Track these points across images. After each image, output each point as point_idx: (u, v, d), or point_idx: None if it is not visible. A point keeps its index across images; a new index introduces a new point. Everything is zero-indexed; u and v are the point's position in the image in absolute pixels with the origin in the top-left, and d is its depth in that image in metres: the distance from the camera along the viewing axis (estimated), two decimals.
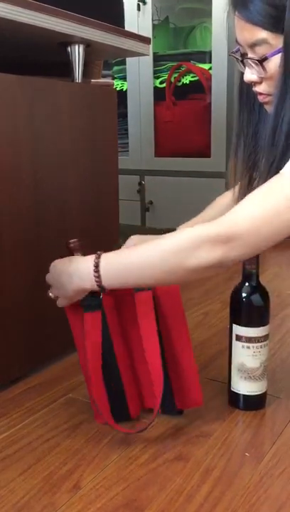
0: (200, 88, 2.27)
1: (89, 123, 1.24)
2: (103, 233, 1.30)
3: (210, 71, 2.22)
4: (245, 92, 0.91)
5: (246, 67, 0.83)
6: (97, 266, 0.82)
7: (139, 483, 0.80)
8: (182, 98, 2.35)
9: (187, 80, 2.32)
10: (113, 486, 0.79)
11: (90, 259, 0.83)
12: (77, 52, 1.20)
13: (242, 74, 0.86)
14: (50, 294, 0.92)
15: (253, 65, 0.81)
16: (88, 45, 1.20)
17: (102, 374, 0.91)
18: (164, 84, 2.35)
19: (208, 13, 2.20)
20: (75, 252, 0.93)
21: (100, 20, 1.18)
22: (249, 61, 0.81)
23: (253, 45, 0.79)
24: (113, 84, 2.35)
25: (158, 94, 2.38)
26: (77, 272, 0.85)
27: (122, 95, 2.44)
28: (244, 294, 0.96)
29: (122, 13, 2.36)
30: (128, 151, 2.52)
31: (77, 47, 1.19)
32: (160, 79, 2.38)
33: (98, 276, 0.82)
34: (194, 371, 0.96)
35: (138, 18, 2.35)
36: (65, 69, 1.23)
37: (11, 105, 1.03)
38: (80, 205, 1.24)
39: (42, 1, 1.03)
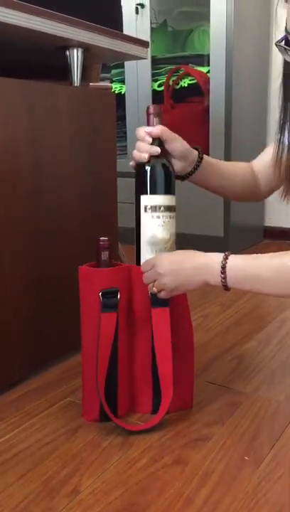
0: (199, 91, 2.27)
1: (88, 126, 1.24)
2: (102, 236, 1.30)
3: (208, 74, 2.22)
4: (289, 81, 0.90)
5: None
6: (223, 267, 0.84)
7: (138, 488, 0.80)
8: (180, 101, 2.35)
9: (185, 83, 2.32)
10: (112, 490, 0.79)
11: (217, 258, 0.86)
12: (76, 56, 1.20)
13: (287, 62, 0.86)
14: (154, 289, 0.92)
15: None
16: (86, 48, 1.21)
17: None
18: (162, 88, 2.35)
19: (206, 17, 2.20)
20: (104, 250, 0.95)
21: (99, 24, 1.18)
22: None
23: None
24: (111, 88, 2.35)
25: (157, 97, 2.38)
26: (205, 268, 0.87)
27: (121, 98, 2.44)
28: (147, 166, 0.96)
29: (120, 17, 2.35)
30: (126, 153, 2.51)
31: (75, 51, 1.20)
32: (159, 82, 2.38)
33: (224, 278, 0.85)
34: (187, 374, 0.98)
35: (136, 21, 2.35)
36: (63, 73, 1.23)
37: (10, 109, 1.03)
38: (79, 208, 1.24)
39: (40, 5, 1.03)
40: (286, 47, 0.82)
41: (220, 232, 2.28)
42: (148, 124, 0.97)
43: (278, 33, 0.85)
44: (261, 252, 0.87)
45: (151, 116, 0.96)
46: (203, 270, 0.87)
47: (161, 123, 0.97)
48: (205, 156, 1.03)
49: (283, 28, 0.82)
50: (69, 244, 1.22)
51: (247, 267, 0.85)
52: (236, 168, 1.10)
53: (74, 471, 0.84)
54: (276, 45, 0.84)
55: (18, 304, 1.11)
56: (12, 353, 1.11)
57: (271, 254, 0.84)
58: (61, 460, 0.87)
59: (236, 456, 0.87)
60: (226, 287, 0.86)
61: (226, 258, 0.85)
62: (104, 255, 0.95)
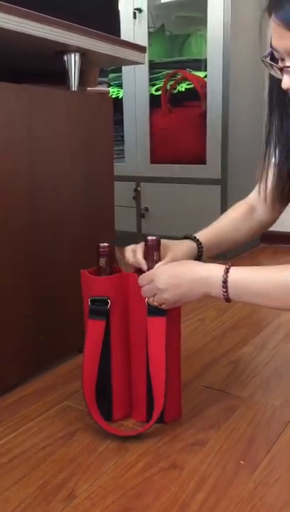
0: (196, 96, 2.28)
1: (86, 130, 1.24)
2: (99, 240, 1.30)
3: (205, 79, 2.23)
4: (275, 95, 0.91)
5: (285, 75, 0.80)
6: (225, 282, 0.85)
7: (134, 492, 0.80)
8: (177, 105, 2.36)
9: (182, 87, 2.33)
10: (108, 495, 0.79)
11: (218, 272, 0.86)
12: (73, 61, 1.21)
13: (272, 77, 0.86)
14: (154, 303, 0.92)
15: None
16: (84, 53, 1.21)
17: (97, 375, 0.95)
18: (160, 92, 2.36)
19: (204, 21, 2.21)
20: (104, 256, 0.94)
21: (96, 29, 1.18)
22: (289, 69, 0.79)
23: None
24: (109, 92, 2.36)
25: (154, 101, 2.39)
26: (206, 281, 0.87)
27: (118, 102, 2.45)
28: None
29: (118, 22, 2.36)
30: (124, 157, 2.52)
31: (73, 56, 1.20)
32: (156, 86, 2.39)
33: (226, 291, 0.85)
34: (174, 385, 0.97)
35: (134, 26, 2.36)
36: (61, 77, 1.23)
37: (8, 113, 1.03)
38: (76, 212, 1.24)
39: (38, 11, 1.03)
40: (272, 62, 0.82)
41: None
42: (146, 256, 0.94)
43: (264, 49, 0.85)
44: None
45: (151, 250, 0.94)
46: (204, 283, 0.87)
47: (160, 256, 0.94)
48: (202, 240, 1.03)
49: (269, 43, 0.82)
50: (67, 248, 1.22)
51: (249, 282, 0.85)
52: (235, 222, 1.08)
53: (71, 476, 0.84)
54: (262, 60, 0.83)
55: (14, 308, 1.11)
56: (9, 357, 1.11)
57: (272, 267, 0.84)
58: (57, 464, 0.87)
59: (232, 460, 0.87)
60: (228, 300, 0.86)
61: (227, 272, 0.85)
62: (102, 262, 0.94)
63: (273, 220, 1.09)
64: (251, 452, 0.89)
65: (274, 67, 0.82)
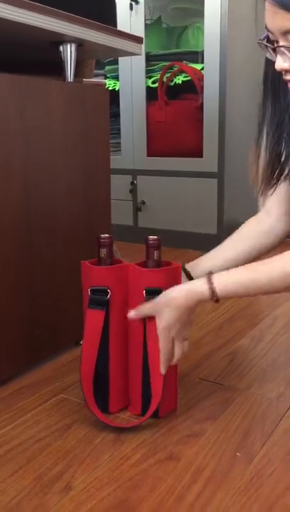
0: (193, 88, 2.27)
1: (81, 122, 1.23)
2: (95, 233, 1.30)
3: (202, 71, 2.22)
4: (270, 79, 0.90)
5: (278, 55, 0.80)
6: (213, 291, 0.88)
7: (130, 484, 0.80)
8: (174, 98, 2.35)
9: (179, 79, 2.31)
10: (104, 487, 0.79)
11: (202, 286, 0.88)
12: (69, 52, 1.20)
13: (268, 61, 0.85)
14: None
15: (286, 52, 0.78)
16: (80, 44, 1.20)
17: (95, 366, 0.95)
18: (156, 84, 2.35)
19: (201, 13, 2.19)
20: (105, 247, 0.95)
21: (92, 20, 1.17)
22: (282, 49, 0.78)
23: (286, 33, 0.76)
24: (105, 84, 2.34)
25: (151, 94, 2.38)
26: (193, 294, 0.89)
27: (114, 95, 2.43)
28: None
29: (114, 13, 2.35)
30: (120, 150, 2.51)
31: (68, 46, 1.19)
32: (153, 79, 2.38)
33: (216, 299, 0.88)
34: (170, 379, 0.97)
35: (130, 18, 2.34)
36: (56, 68, 1.22)
37: (2, 104, 1.02)
38: (72, 205, 1.23)
39: (34, 0, 1.02)
40: (267, 44, 0.81)
41: (214, 229, 2.29)
42: (147, 256, 0.94)
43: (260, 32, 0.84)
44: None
45: (151, 250, 0.94)
46: (190, 294, 0.89)
47: (161, 255, 0.95)
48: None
49: (264, 26, 0.81)
50: (62, 241, 1.22)
51: (237, 284, 0.88)
52: (232, 242, 1.08)
53: (67, 468, 0.84)
54: (258, 42, 0.83)
55: (10, 300, 1.10)
56: (4, 350, 1.10)
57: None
58: (54, 456, 0.87)
59: (228, 452, 0.87)
60: (213, 294, 0.88)
61: (211, 283, 0.88)
62: (103, 252, 0.95)
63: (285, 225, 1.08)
64: (247, 444, 0.89)
65: (269, 49, 0.81)
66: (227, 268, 0.93)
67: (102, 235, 0.95)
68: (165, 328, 0.90)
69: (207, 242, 1.80)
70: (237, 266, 0.93)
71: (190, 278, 1.02)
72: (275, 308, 1.56)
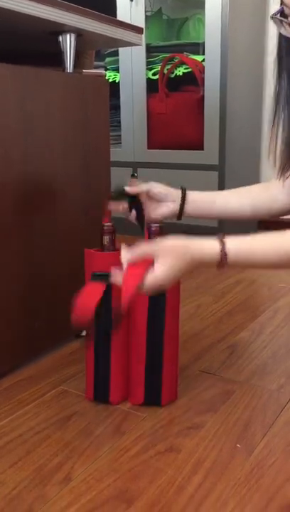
0: (193, 80, 2.26)
1: (81, 114, 1.22)
2: (95, 226, 1.29)
3: (203, 63, 2.20)
4: (284, 56, 0.88)
5: None
6: (225, 254, 0.79)
7: (130, 475, 0.80)
8: (175, 90, 2.33)
9: (180, 71, 2.30)
10: (104, 478, 0.79)
11: (215, 249, 0.80)
12: (69, 42, 1.19)
13: (280, 40, 0.84)
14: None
15: None
16: (79, 34, 1.19)
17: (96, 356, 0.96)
18: (157, 76, 2.33)
19: (201, 5, 2.18)
20: (108, 234, 0.96)
21: (92, 10, 1.16)
22: None
23: None
24: (105, 75, 2.33)
25: (151, 85, 2.36)
26: (203, 257, 0.81)
27: (115, 86, 2.42)
28: None
29: (114, 3, 2.34)
30: (120, 143, 2.50)
31: (68, 36, 1.18)
32: (153, 70, 2.36)
33: (226, 262, 0.80)
34: (171, 370, 0.97)
35: (131, 9, 2.32)
36: (56, 59, 1.21)
37: (1, 94, 1.01)
38: (72, 197, 1.23)
39: None
40: (282, 18, 0.80)
41: (214, 222, 2.28)
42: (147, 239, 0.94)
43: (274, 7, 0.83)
44: None
45: (154, 237, 0.93)
46: (198, 257, 0.81)
47: None
48: (194, 193, 1.04)
49: (279, 0, 0.80)
50: (61, 234, 1.21)
51: (248, 253, 0.81)
52: (239, 192, 1.06)
53: (67, 459, 0.84)
54: (272, 17, 0.81)
55: (8, 293, 1.10)
56: (4, 342, 1.10)
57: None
58: (53, 448, 0.87)
59: (228, 443, 0.87)
60: (224, 257, 0.80)
61: (223, 248, 0.79)
62: (106, 240, 0.96)
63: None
64: (247, 436, 0.89)
65: (284, 24, 0.80)
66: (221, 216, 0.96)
67: (105, 223, 0.96)
68: (159, 282, 0.80)
69: (208, 235, 1.80)
70: (233, 218, 0.95)
71: (183, 199, 1.03)
72: (275, 301, 1.56)
